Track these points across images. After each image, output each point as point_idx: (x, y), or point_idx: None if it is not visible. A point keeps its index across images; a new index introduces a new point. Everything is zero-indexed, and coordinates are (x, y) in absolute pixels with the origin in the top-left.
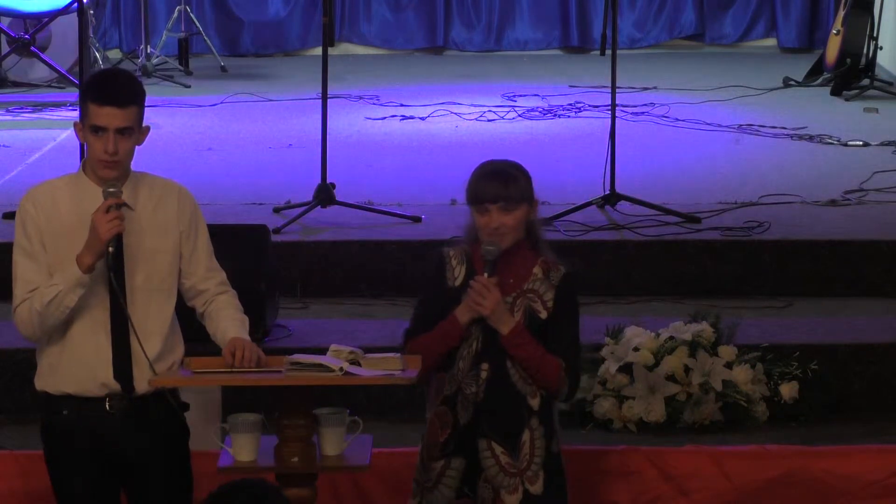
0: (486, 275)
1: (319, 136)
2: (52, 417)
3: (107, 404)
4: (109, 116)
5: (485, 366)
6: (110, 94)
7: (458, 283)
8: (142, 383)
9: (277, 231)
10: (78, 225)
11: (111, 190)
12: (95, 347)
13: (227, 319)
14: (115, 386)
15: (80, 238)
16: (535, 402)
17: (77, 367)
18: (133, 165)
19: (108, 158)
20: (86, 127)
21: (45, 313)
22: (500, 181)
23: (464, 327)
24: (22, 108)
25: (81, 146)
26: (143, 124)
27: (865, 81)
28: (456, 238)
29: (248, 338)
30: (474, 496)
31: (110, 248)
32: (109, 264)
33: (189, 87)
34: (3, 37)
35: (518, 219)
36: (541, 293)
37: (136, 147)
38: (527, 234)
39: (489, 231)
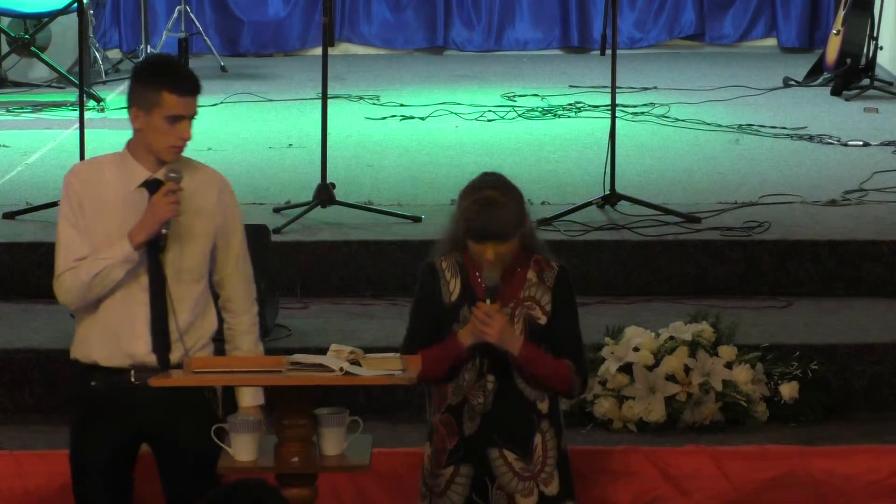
0: (487, 301)
1: (319, 136)
2: (82, 387)
3: (132, 376)
4: (190, 105)
5: (490, 377)
6: (188, 84)
7: (454, 297)
8: (175, 355)
9: (277, 231)
10: (119, 203)
11: (173, 175)
12: (125, 319)
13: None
14: (141, 358)
15: (119, 215)
16: (543, 406)
17: (105, 337)
18: None
19: (182, 144)
20: (155, 115)
21: (92, 284)
22: (497, 222)
23: (467, 349)
24: (22, 108)
25: (134, 131)
26: None
27: (865, 81)
28: (439, 241)
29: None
30: (482, 502)
31: (164, 231)
32: (162, 245)
33: None
34: (2, 37)
35: (515, 244)
36: (538, 298)
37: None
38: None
39: (487, 262)
